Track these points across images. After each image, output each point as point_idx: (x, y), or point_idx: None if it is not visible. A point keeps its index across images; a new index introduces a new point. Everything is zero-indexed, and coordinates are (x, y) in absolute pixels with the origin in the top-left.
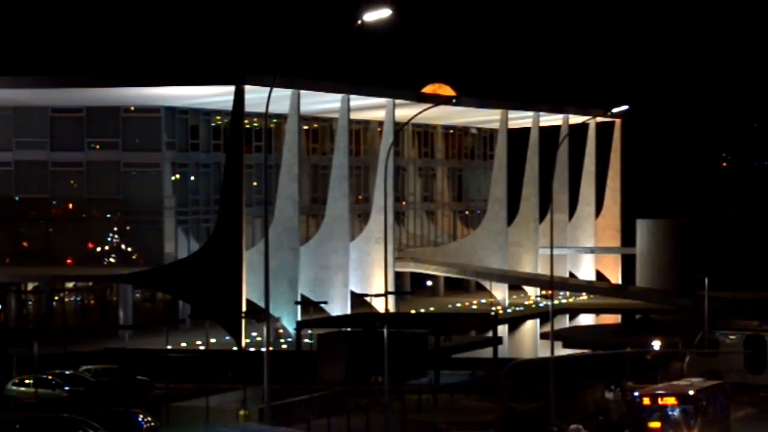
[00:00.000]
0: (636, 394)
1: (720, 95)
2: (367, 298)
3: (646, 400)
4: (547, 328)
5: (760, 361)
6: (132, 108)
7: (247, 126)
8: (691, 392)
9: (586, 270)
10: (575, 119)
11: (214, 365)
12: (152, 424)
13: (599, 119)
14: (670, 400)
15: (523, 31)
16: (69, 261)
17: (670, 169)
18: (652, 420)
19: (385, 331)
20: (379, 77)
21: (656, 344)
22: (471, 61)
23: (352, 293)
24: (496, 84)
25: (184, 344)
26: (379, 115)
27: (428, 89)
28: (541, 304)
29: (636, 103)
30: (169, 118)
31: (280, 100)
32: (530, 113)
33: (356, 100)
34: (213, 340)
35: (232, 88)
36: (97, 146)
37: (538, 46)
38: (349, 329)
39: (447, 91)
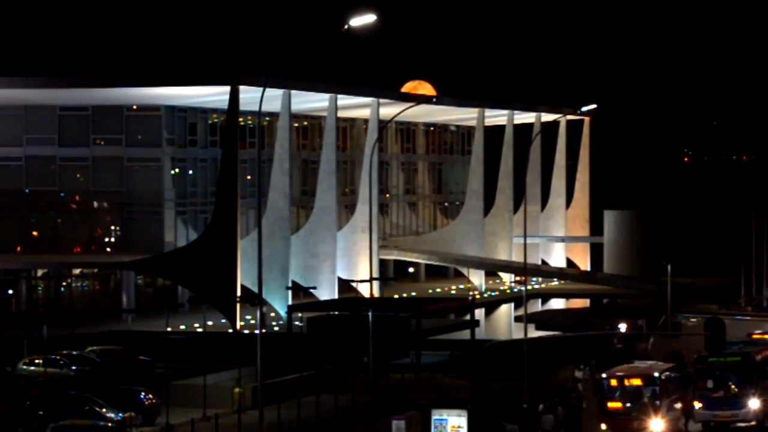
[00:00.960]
0: (603, 375)
1: (682, 95)
2: (354, 284)
3: (613, 381)
4: (521, 312)
5: (719, 343)
6: (134, 107)
7: (242, 124)
8: (656, 374)
9: (557, 257)
10: (547, 117)
11: (211, 346)
12: (153, 400)
13: (569, 117)
14: (637, 381)
15: (499, 36)
16: (76, 249)
17: (636, 163)
18: (615, 400)
19: (369, 314)
20: (364, 78)
21: (622, 327)
22: (450, 63)
23: (340, 279)
24: (474, 84)
25: (182, 327)
26: (365, 113)
27: (409, 86)
28: (515, 290)
29: (604, 102)
30: (169, 116)
31: (273, 99)
32: (505, 111)
33: (343, 100)
34: (210, 323)
35: (227, 89)
36: (102, 142)
37: (513, 49)
38: (336, 313)
39: (427, 87)
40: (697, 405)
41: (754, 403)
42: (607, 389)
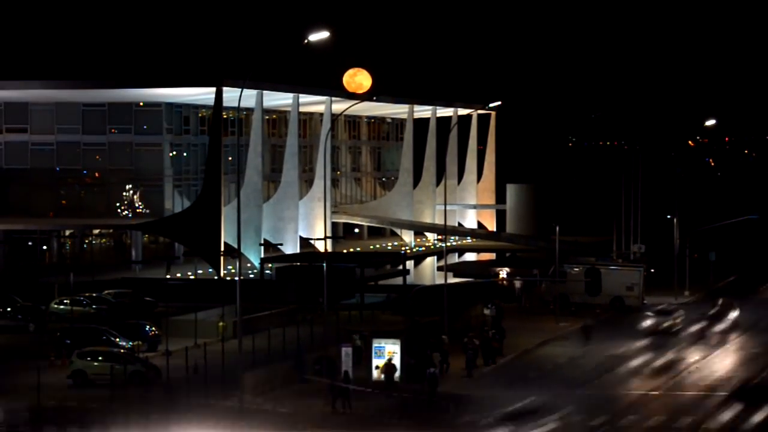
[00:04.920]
0: None
1: (567, 95)
2: (312, 241)
3: None
4: (442, 263)
5: (596, 287)
6: (141, 103)
7: (225, 117)
8: None
9: (470, 221)
10: (462, 111)
11: (201, 290)
12: (156, 332)
13: (480, 111)
14: None
15: (425, 49)
16: (96, 214)
17: (531, 147)
18: None
19: (324, 265)
20: (320, 81)
21: (517, 282)
22: (387, 69)
23: (301, 238)
24: (405, 86)
25: (179, 275)
26: (320, 108)
27: (349, 73)
28: (437, 245)
29: (506, 99)
30: (168, 110)
31: (248, 97)
32: (430, 107)
33: (303, 98)
34: (200, 272)
35: (213, 89)
36: (115, 131)
37: (436, 59)
38: (298, 264)
39: (364, 74)
40: None
41: None
42: None
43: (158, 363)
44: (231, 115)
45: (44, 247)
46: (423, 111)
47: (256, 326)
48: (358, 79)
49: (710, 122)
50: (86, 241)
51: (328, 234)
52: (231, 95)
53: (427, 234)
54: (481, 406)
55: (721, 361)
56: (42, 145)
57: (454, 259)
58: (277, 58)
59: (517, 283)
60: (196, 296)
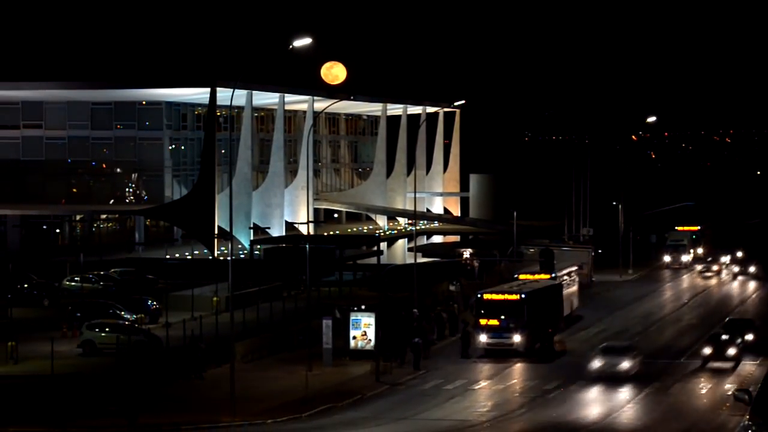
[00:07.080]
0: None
1: (523, 94)
2: (296, 225)
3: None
4: (412, 244)
5: (550, 267)
6: (144, 102)
7: (218, 114)
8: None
9: (437, 207)
10: (430, 109)
11: (197, 268)
12: (157, 306)
13: (446, 109)
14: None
15: (397, 53)
16: (103, 201)
17: (492, 141)
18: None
19: (307, 246)
20: (303, 82)
21: (466, 252)
22: (362, 71)
23: (286, 222)
24: (379, 86)
25: (177, 255)
26: (303, 106)
27: (327, 65)
28: (408, 229)
29: (470, 99)
30: (168, 108)
31: (239, 97)
32: (401, 105)
33: (288, 97)
34: (196, 252)
35: (208, 89)
36: (120, 126)
37: (407, 62)
38: (284, 245)
39: (340, 67)
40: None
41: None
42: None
43: (159, 333)
44: (224, 113)
45: (57, 231)
46: (395, 109)
47: (246, 301)
48: (335, 71)
49: (651, 119)
50: (95, 224)
51: (311, 219)
52: (224, 95)
53: (398, 218)
54: (448, 372)
55: (661, 332)
56: (55, 139)
57: (423, 241)
58: (265, 62)
59: (476, 263)
60: (193, 274)
